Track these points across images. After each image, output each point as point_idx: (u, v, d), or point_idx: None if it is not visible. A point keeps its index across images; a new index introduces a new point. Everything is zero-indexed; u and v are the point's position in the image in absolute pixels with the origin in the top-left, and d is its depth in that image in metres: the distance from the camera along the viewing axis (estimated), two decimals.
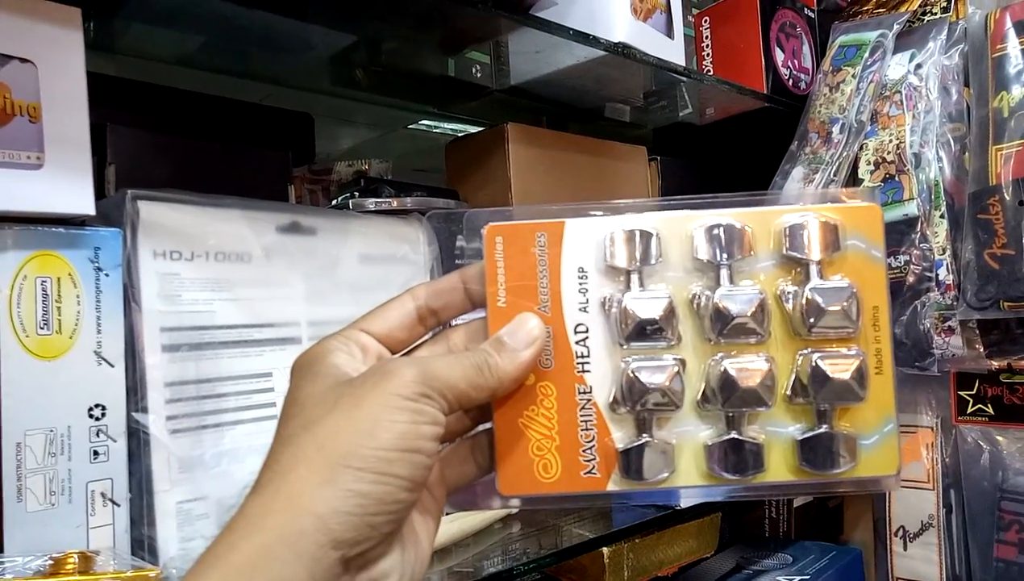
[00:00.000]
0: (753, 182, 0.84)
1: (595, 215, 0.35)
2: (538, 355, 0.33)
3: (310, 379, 0.31)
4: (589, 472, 0.34)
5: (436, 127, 0.90)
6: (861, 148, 0.79)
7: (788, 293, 0.34)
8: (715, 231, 0.34)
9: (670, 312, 0.34)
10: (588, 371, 0.34)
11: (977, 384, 0.77)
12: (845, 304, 0.33)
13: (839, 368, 0.33)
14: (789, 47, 0.87)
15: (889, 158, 0.77)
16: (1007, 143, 0.69)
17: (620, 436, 0.34)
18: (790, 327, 0.34)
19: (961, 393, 0.78)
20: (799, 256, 0.33)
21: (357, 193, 0.63)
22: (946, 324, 0.73)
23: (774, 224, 0.34)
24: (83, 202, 0.45)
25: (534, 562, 0.60)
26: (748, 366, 0.33)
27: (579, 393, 0.34)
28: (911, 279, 0.74)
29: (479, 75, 0.72)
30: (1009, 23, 0.71)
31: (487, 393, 0.32)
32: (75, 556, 0.40)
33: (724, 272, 0.34)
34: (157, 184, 0.50)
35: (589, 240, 0.34)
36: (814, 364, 0.33)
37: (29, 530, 0.43)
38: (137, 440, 0.48)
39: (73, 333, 0.45)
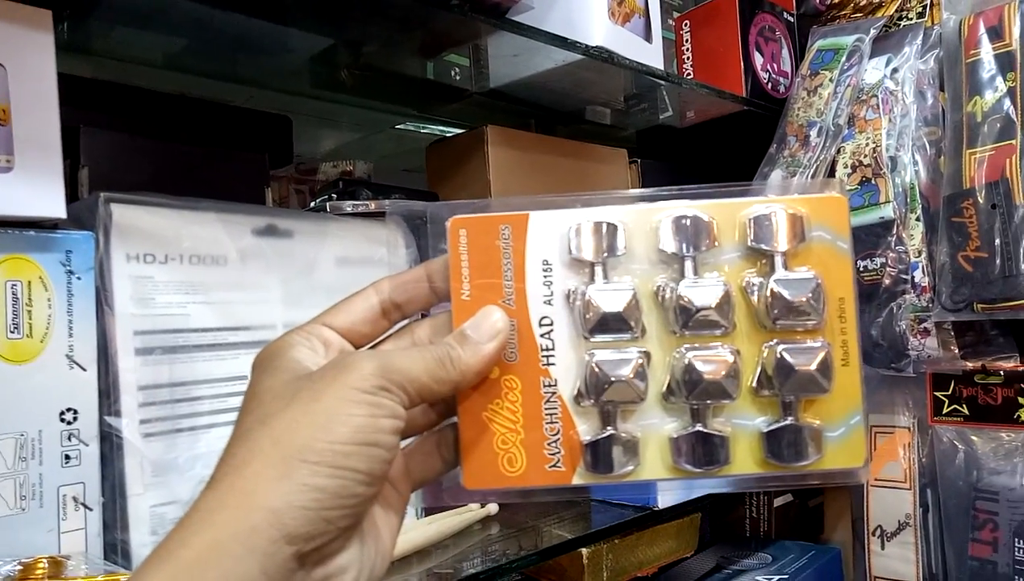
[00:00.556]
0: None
1: (560, 208, 0.34)
2: (502, 348, 0.33)
3: (269, 373, 0.31)
4: (554, 466, 0.33)
5: (423, 127, 0.91)
6: (838, 151, 0.80)
7: (753, 285, 0.34)
8: (680, 223, 0.34)
9: (634, 304, 0.33)
10: (553, 364, 0.34)
11: (952, 385, 0.78)
12: (810, 295, 0.33)
13: (804, 360, 0.33)
14: (768, 51, 0.87)
15: (866, 161, 0.78)
16: (980, 147, 0.70)
17: (585, 429, 0.34)
18: (755, 319, 0.34)
19: (937, 394, 0.79)
20: (764, 247, 0.33)
21: (335, 195, 0.63)
22: (922, 326, 0.74)
23: (739, 215, 0.34)
24: (54, 205, 0.44)
25: (513, 563, 0.60)
26: (712, 358, 0.33)
27: (544, 386, 0.34)
28: (887, 281, 0.75)
29: (458, 78, 0.73)
30: (982, 29, 0.72)
31: (449, 386, 0.32)
32: (45, 561, 0.40)
33: (688, 264, 0.34)
34: (132, 187, 0.50)
35: (554, 232, 0.34)
36: (779, 356, 0.33)
37: None
38: (110, 444, 0.48)
39: (44, 337, 0.45)
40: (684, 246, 0.34)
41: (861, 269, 0.77)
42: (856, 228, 0.78)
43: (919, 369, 0.75)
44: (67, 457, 0.46)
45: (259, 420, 0.29)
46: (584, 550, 0.69)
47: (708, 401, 0.33)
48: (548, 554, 0.63)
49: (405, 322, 0.35)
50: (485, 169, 0.72)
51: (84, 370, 0.47)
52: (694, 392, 0.33)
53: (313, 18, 0.59)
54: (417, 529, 0.62)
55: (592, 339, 0.34)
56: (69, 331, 0.46)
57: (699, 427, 0.33)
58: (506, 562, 0.59)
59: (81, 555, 0.45)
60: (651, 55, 0.72)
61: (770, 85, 0.87)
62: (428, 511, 0.66)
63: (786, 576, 0.83)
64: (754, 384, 0.34)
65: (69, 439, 0.46)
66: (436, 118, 0.88)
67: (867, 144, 0.78)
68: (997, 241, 0.68)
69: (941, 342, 0.73)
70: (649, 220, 0.34)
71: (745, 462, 0.34)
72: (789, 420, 0.33)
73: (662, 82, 0.75)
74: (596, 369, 0.33)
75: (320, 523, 0.27)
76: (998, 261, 0.68)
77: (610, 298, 0.33)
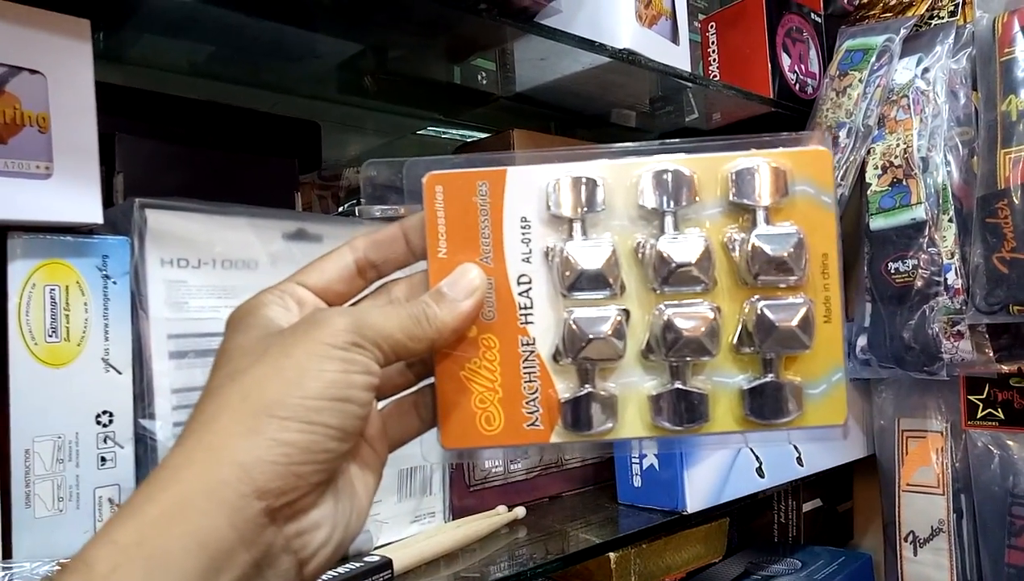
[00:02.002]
0: None
1: (539, 163, 0.34)
2: (479, 306, 0.32)
3: (241, 331, 0.30)
4: (532, 424, 0.33)
5: (445, 132, 0.91)
6: (868, 152, 0.79)
7: (735, 240, 0.33)
8: (660, 177, 0.33)
9: (613, 261, 0.33)
10: (531, 322, 0.33)
11: (987, 388, 0.77)
12: (791, 250, 0.32)
13: (785, 316, 0.32)
14: (796, 52, 0.87)
15: (896, 162, 0.77)
16: (1015, 147, 0.69)
17: (563, 388, 0.33)
18: (737, 275, 0.33)
19: (971, 398, 0.78)
20: (746, 202, 0.33)
21: (363, 200, 0.63)
22: (955, 328, 0.72)
23: (722, 170, 0.33)
24: (91, 211, 0.45)
25: (541, 567, 0.60)
26: (692, 314, 0.32)
27: (522, 345, 0.33)
28: (919, 283, 0.74)
29: (485, 82, 0.73)
30: (1017, 27, 0.71)
31: (426, 344, 0.31)
32: None
33: (669, 219, 0.33)
34: (165, 192, 0.51)
35: (532, 188, 0.33)
36: (760, 312, 0.32)
37: (37, 536, 0.44)
38: (144, 446, 0.48)
39: (81, 340, 0.46)
40: (664, 201, 0.33)
41: (892, 271, 0.76)
42: (887, 230, 0.77)
43: (952, 372, 0.74)
44: (103, 459, 0.46)
45: (228, 376, 0.29)
46: (612, 555, 0.69)
47: (687, 358, 0.33)
48: (575, 559, 0.63)
49: (381, 282, 0.34)
50: None
51: (120, 373, 0.47)
52: (673, 349, 0.32)
53: (340, 24, 0.60)
54: (444, 532, 0.62)
55: (570, 297, 0.33)
56: (105, 335, 0.47)
57: (678, 385, 0.33)
58: (533, 566, 0.59)
59: None
60: (678, 57, 0.72)
61: (798, 86, 0.86)
62: (455, 514, 0.66)
63: None
64: (735, 341, 0.33)
65: (105, 441, 0.47)
66: (462, 122, 0.88)
67: (898, 145, 0.77)
68: None
69: (975, 345, 0.72)
70: (629, 175, 0.33)
71: (725, 420, 0.33)
72: (770, 377, 0.33)
73: (688, 84, 0.75)
74: (574, 327, 0.32)
75: (290, 478, 0.27)
76: None
77: (588, 255, 0.33)
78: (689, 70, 0.73)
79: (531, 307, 0.33)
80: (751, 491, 0.74)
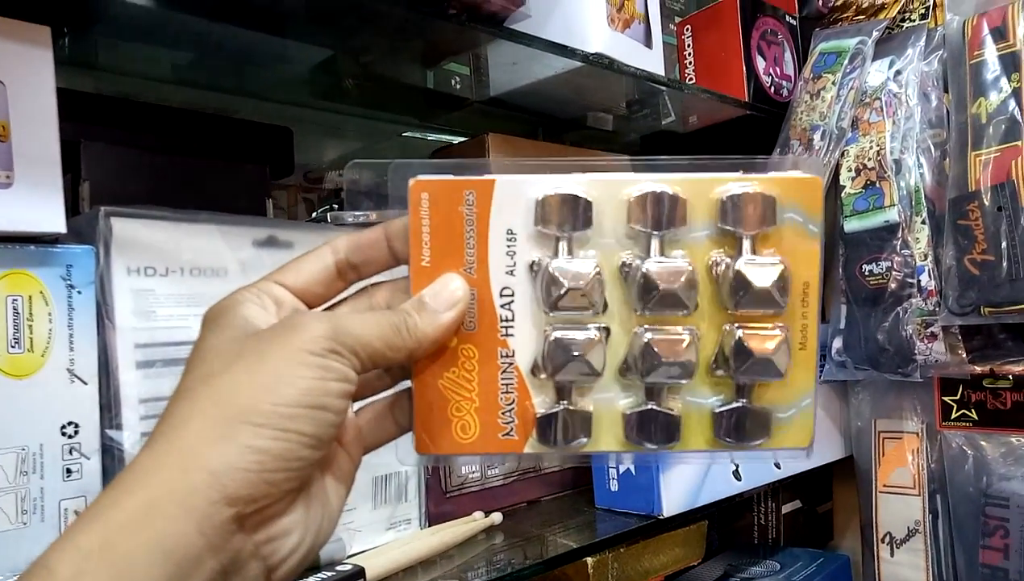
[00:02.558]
0: None
1: (528, 172, 0.33)
2: (460, 318, 0.32)
3: (216, 331, 0.29)
4: (507, 434, 0.33)
5: (429, 135, 0.91)
6: (842, 155, 0.79)
7: (719, 265, 0.33)
8: (650, 199, 0.33)
9: (597, 281, 0.33)
10: (512, 335, 0.33)
11: (961, 389, 0.77)
12: (775, 282, 0.32)
13: (762, 346, 0.32)
14: (771, 54, 0.87)
15: (870, 165, 0.77)
16: (985, 149, 0.70)
17: (540, 401, 0.33)
18: (718, 300, 0.33)
19: (945, 399, 0.78)
20: (733, 229, 0.33)
21: (336, 206, 0.63)
22: (928, 330, 0.73)
23: (712, 193, 0.33)
24: (54, 220, 0.45)
25: (518, 572, 0.60)
26: (670, 339, 0.33)
27: (501, 357, 0.33)
28: (893, 285, 0.74)
29: (459, 86, 0.73)
30: (986, 29, 0.71)
31: (404, 354, 0.31)
32: None
33: (655, 242, 0.33)
34: (133, 200, 0.50)
35: (520, 201, 0.33)
36: (737, 340, 0.33)
37: (0, 549, 0.43)
38: (112, 457, 0.48)
39: (45, 351, 0.45)
40: (652, 223, 0.33)
41: (867, 273, 0.76)
42: (861, 232, 0.77)
43: (926, 374, 0.75)
44: (68, 471, 0.46)
45: (201, 379, 0.28)
46: (589, 559, 0.69)
47: (664, 381, 0.33)
48: (553, 564, 0.63)
49: (362, 284, 0.34)
50: None
51: (85, 384, 0.47)
52: (650, 372, 0.33)
53: (309, 29, 0.60)
54: (420, 539, 0.62)
55: (553, 313, 0.33)
56: (70, 345, 0.46)
57: (652, 405, 0.33)
58: (511, 572, 0.59)
59: None
60: (652, 61, 0.72)
61: (773, 89, 0.86)
62: (432, 521, 0.66)
63: None
64: (712, 365, 0.34)
65: (70, 453, 0.46)
66: (438, 127, 0.88)
67: (871, 147, 0.77)
68: (1004, 244, 0.68)
69: (948, 346, 0.73)
70: (620, 193, 0.33)
71: (696, 440, 0.34)
72: (741, 402, 0.33)
73: (663, 88, 0.75)
74: (554, 346, 0.33)
75: (262, 486, 0.26)
76: (1005, 264, 0.67)
77: (572, 273, 0.32)
78: (663, 73, 0.73)
79: (512, 320, 0.33)
80: (728, 494, 0.74)
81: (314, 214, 0.66)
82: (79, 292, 0.47)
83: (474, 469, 0.70)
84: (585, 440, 0.33)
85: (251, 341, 0.29)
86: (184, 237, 0.52)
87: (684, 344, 0.33)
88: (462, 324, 0.33)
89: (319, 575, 0.52)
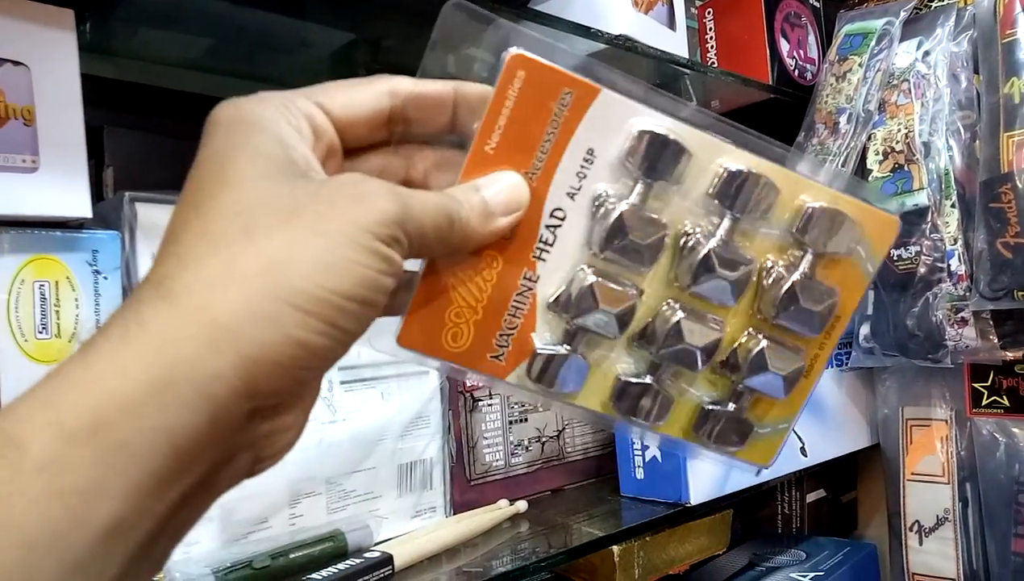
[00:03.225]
0: None
1: (636, 99, 0.29)
2: (512, 226, 0.29)
3: (248, 153, 0.24)
4: (496, 357, 0.31)
5: None
6: (869, 138, 0.78)
7: (773, 270, 0.32)
8: (743, 177, 0.30)
9: (660, 239, 0.30)
10: (544, 260, 0.30)
11: (992, 375, 0.76)
12: (821, 309, 0.32)
13: (778, 365, 0.32)
14: (794, 37, 0.86)
15: (898, 148, 0.76)
16: (1019, 129, 0.68)
17: (543, 337, 0.31)
18: (756, 302, 0.32)
19: (975, 385, 0.77)
20: (803, 240, 0.32)
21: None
22: (959, 315, 0.72)
23: (799, 197, 0.31)
24: (79, 205, 0.44)
25: (543, 561, 0.59)
26: (700, 327, 0.31)
27: (524, 277, 0.30)
28: (922, 270, 0.73)
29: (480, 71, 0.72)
30: (1019, 8, 0.70)
31: (447, 249, 0.27)
32: None
33: (728, 223, 0.31)
34: (156, 186, 0.50)
35: (617, 122, 0.29)
36: (760, 349, 0.32)
37: None
38: None
39: (72, 336, 0.45)
40: (736, 204, 0.30)
41: (895, 258, 0.75)
42: None
43: (957, 360, 0.73)
44: None
45: (243, 232, 0.23)
46: (615, 548, 0.68)
47: (679, 365, 0.32)
48: (578, 552, 0.63)
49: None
50: None
51: None
52: (666, 349, 0.31)
53: (330, 12, 0.59)
54: (445, 527, 0.61)
55: (598, 255, 0.30)
56: (96, 330, 0.46)
57: (651, 380, 0.32)
58: (536, 560, 0.59)
59: None
60: (675, 43, 0.71)
61: (797, 72, 0.85)
62: (456, 509, 0.65)
63: (821, 573, 0.81)
64: (719, 360, 0.33)
65: None
66: None
67: (899, 130, 0.76)
68: None
69: (979, 331, 0.71)
70: (714, 159, 0.30)
71: (676, 426, 0.33)
72: (731, 407, 0.33)
73: (687, 71, 0.74)
74: (588, 291, 0.30)
75: (289, 382, 0.23)
76: None
77: (640, 226, 0.30)
78: (687, 56, 0.72)
79: (551, 244, 0.30)
80: (754, 482, 0.73)
81: None
82: (105, 277, 0.47)
83: (498, 457, 0.70)
84: (572, 390, 0.31)
85: (307, 198, 0.23)
86: None
87: (711, 336, 0.32)
88: None
89: (348, 561, 0.51)
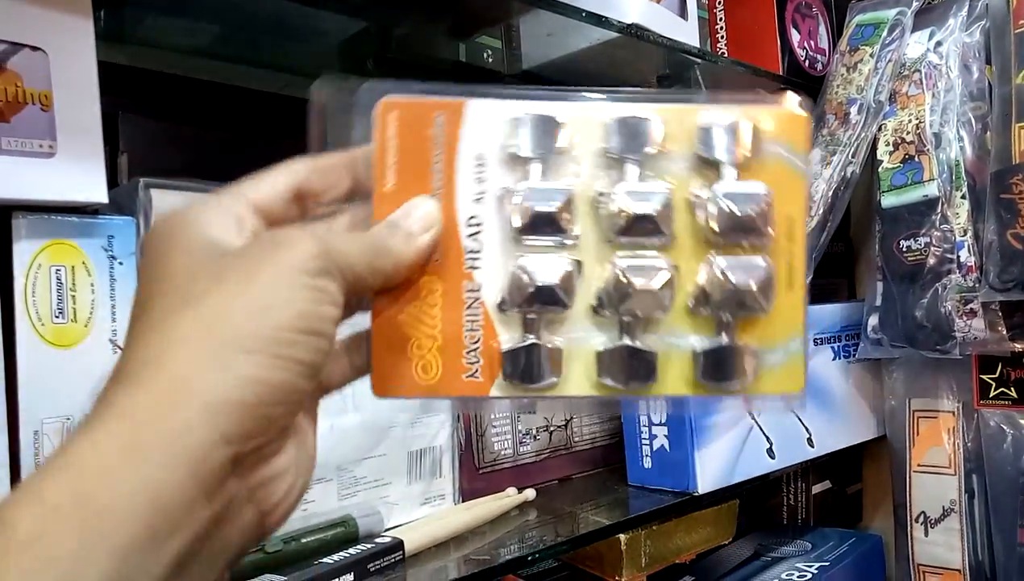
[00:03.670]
0: None
1: (498, 98, 0.31)
2: (435, 241, 0.30)
3: (180, 249, 0.26)
4: (472, 375, 0.31)
5: None
6: (880, 129, 0.78)
7: (699, 196, 0.31)
8: (627, 123, 0.31)
9: (569, 205, 0.31)
10: (478, 268, 0.31)
11: (1000, 367, 0.76)
12: (758, 210, 0.30)
13: (744, 276, 0.31)
14: (805, 28, 0.85)
15: (908, 138, 0.75)
16: None
17: (507, 339, 0.31)
18: (699, 233, 0.32)
19: (983, 376, 0.77)
20: (714, 157, 0.31)
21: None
22: (968, 306, 0.72)
23: (691, 121, 0.31)
24: (96, 190, 0.45)
25: (550, 549, 0.59)
26: (646, 268, 0.31)
27: (467, 291, 0.31)
28: (932, 261, 0.73)
29: (491, 60, 0.72)
30: None
31: (382, 279, 0.29)
32: None
33: (631, 167, 0.31)
34: (170, 173, 0.50)
35: (491, 125, 0.31)
36: (718, 270, 0.31)
37: None
38: None
39: (88, 321, 0.45)
40: (629, 147, 0.31)
41: (904, 249, 0.75)
42: (899, 207, 0.76)
43: (965, 351, 0.73)
44: None
45: (181, 303, 0.25)
46: (622, 536, 0.69)
47: (639, 313, 0.31)
48: (585, 540, 0.63)
49: (314, 217, 0.31)
50: None
51: None
52: (624, 303, 0.31)
53: (343, 1, 0.59)
54: (454, 515, 0.62)
55: (522, 241, 0.31)
56: (112, 315, 0.46)
57: (626, 341, 0.31)
58: (543, 548, 0.59)
59: None
60: (686, 32, 0.71)
61: (807, 63, 0.85)
62: (465, 497, 0.66)
63: (826, 563, 0.82)
64: (690, 302, 0.32)
65: None
66: None
67: (910, 121, 0.76)
68: None
69: (988, 323, 0.71)
70: (596, 120, 0.31)
71: (676, 383, 0.32)
72: (724, 340, 0.31)
73: (698, 60, 0.74)
74: (520, 272, 0.30)
75: (260, 421, 0.24)
76: None
77: (544, 197, 0.30)
78: (698, 46, 0.72)
79: (479, 251, 0.31)
80: (762, 472, 0.73)
81: None
82: (120, 263, 0.47)
83: (507, 445, 0.70)
84: (555, 379, 0.31)
85: (233, 260, 0.26)
86: None
87: (659, 272, 0.31)
88: None
89: (359, 546, 0.52)
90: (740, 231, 0.31)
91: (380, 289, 0.30)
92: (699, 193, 0.31)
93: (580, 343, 0.32)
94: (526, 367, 0.31)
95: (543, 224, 0.31)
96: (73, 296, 0.45)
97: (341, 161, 0.30)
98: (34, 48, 0.42)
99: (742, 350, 0.32)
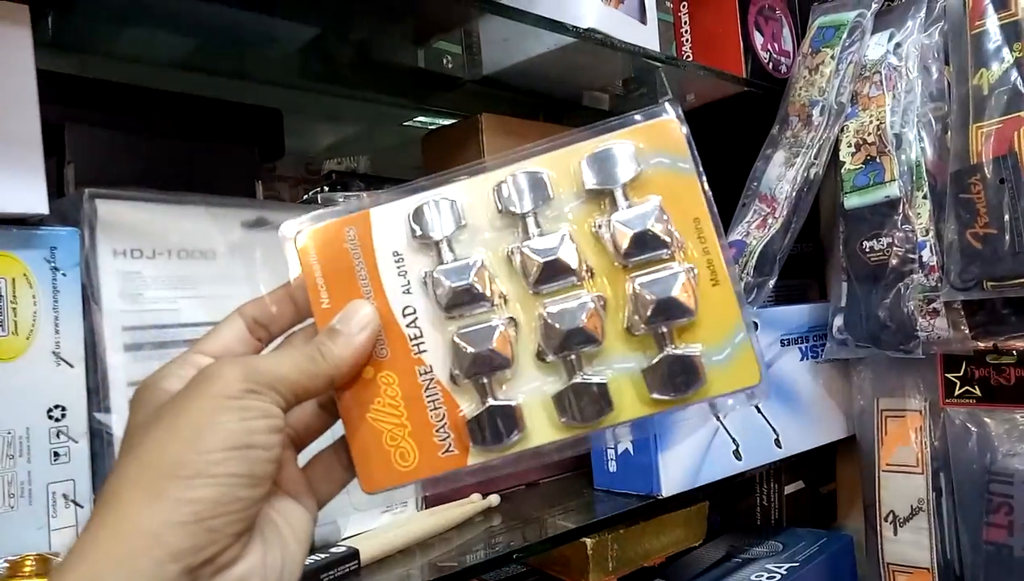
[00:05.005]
0: (735, 167, 0.83)
1: (398, 198, 0.34)
2: (374, 338, 0.33)
3: (140, 409, 0.30)
4: (447, 451, 0.33)
5: (432, 122, 0.89)
6: (842, 130, 0.78)
7: (600, 225, 0.33)
8: (514, 183, 0.34)
9: (484, 274, 0.33)
10: (424, 351, 0.34)
11: (964, 366, 0.76)
12: (653, 223, 0.32)
13: (660, 286, 0.32)
14: (768, 30, 0.86)
15: (870, 139, 0.76)
16: (987, 121, 0.68)
17: (469, 408, 0.33)
18: (612, 260, 0.34)
19: (948, 375, 0.77)
20: (601, 187, 0.33)
21: (327, 188, 0.62)
22: (931, 306, 0.72)
23: (572, 162, 0.34)
24: (35, 201, 0.44)
25: (517, 552, 0.59)
26: (566, 306, 0.33)
27: (421, 375, 0.34)
28: (894, 261, 0.73)
29: (450, 65, 0.72)
30: None
31: (324, 381, 0.31)
32: (32, 559, 0.40)
33: (530, 221, 0.34)
34: (120, 183, 0.50)
35: (397, 223, 0.34)
36: (636, 288, 0.33)
37: None
38: (100, 440, 0.47)
39: (30, 334, 0.45)
40: (521, 204, 0.33)
41: (867, 250, 0.75)
42: (862, 208, 0.76)
43: (929, 351, 0.73)
44: (56, 454, 0.46)
45: (126, 451, 0.28)
46: (588, 540, 0.69)
47: (576, 349, 0.33)
48: (551, 544, 0.63)
49: (278, 340, 0.35)
50: (481, 157, 0.71)
51: (71, 367, 0.47)
52: (560, 344, 0.33)
53: (297, 6, 0.59)
54: (417, 521, 0.62)
55: (452, 316, 0.33)
56: (55, 328, 0.46)
57: (575, 379, 0.33)
58: (509, 552, 0.59)
59: None
60: (646, 37, 0.71)
61: (771, 65, 0.85)
62: (428, 503, 0.65)
63: (796, 564, 0.82)
64: (626, 325, 0.33)
65: (58, 436, 0.46)
66: (433, 109, 0.87)
67: (871, 122, 0.76)
68: (1006, 217, 0.66)
69: (951, 322, 0.72)
70: (485, 189, 0.34)
71: (633, 406, 0.33)
72: (665, 352, 0.33)
73: (659, 64, 0.74)
74: (459, 343, 0.33)
75: (203, 534, 0.26)
76: (1007, 237, 0.66)
77: (456, 273, 0.33)
78: (659, 49, 0.72)
79: (421, 336, 0.34)
80: (728, 474, 0.73)
81: (305, 197, 0.65)
82: (64, 274, 0.46)
83: None
84: (518, 435, 0.33)
85: (170, 401, 0.29)
86: (171, 219, 0.51)
87: (581, 308, 0.33)
88: (375, 352, 0.33)
89: (313, 557, 0.51)
90: (644, 247, 0.33)
91: (329, 389, 0.33)
92: (599, 223, 0.33)
93: (535, 393, 0.34)
94: (491, 429, 0.33)
95: (466, 297, 0.33)
96: (14, 308, 0.44)
97: (281, 294, 0.34)
98: None
99: (685, 357, 0.33)
